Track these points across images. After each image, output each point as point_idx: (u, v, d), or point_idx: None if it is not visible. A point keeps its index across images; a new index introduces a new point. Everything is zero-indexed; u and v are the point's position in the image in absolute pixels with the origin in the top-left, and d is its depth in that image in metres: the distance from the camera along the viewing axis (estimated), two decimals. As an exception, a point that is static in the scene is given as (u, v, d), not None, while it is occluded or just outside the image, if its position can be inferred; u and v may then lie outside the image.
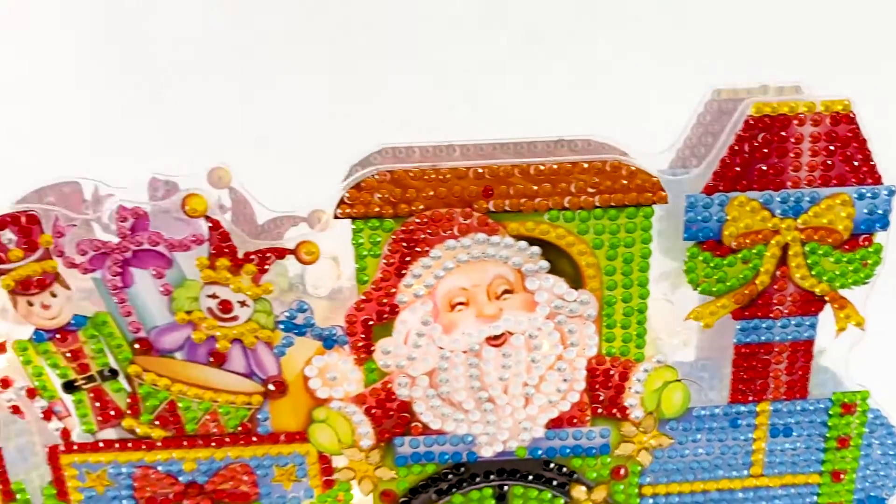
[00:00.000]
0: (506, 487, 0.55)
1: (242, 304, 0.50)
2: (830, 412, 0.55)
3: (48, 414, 0.52)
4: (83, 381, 0.51)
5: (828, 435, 0.56)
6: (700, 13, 0.87)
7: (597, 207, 0.49)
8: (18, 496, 0.54)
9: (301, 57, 0.89)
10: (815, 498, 0.58)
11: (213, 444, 0.53)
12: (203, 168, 0.53)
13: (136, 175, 0.54)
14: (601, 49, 0.88)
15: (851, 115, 0.48)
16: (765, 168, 0.49)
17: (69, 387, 0.51)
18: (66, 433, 0.53)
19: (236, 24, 0.92)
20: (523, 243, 0.49)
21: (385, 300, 0.50)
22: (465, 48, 0.89)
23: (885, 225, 0.50)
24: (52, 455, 0.53)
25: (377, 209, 0.48)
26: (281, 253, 0.49)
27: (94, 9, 0.95)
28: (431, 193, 0.48)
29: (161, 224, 0.50)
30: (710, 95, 0.55)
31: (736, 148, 0.49)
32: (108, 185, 0.54)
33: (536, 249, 0.49)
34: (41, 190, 0.54)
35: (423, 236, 0.49)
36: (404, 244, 0.49)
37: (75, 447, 0.53)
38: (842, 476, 0.57)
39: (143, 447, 0.53)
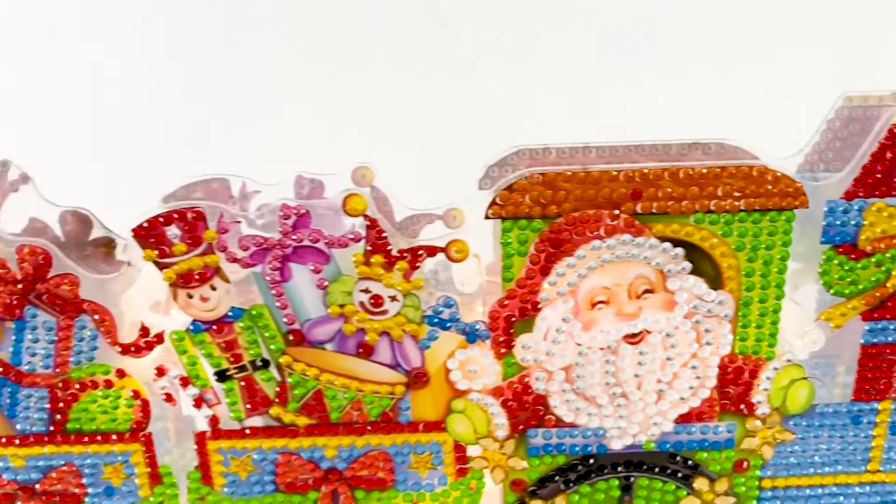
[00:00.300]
0: (632, 479, 0.58)
1: (393, 298, 0.52)
2: (953, 412, 0.57)
3: (199, 402, 0.54)
4: (235, 371, 0.53)
5: (949, 434, 0.58)
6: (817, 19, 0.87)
7: (741, 211, 0.50)
8: (165, 479, 0.57)
9: (430, 57, 0.90)
10: (932, 494, 0.59)
11: (355, 431, 0.55)
12: (347, 167, 0.55)
13: (280, 174, 0.56)
14: (721, 54, 0.89)
15: None
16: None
17: (221, 376, 0.54)
18: (214, 420, 0.55)
19: (354, 19, 0.93)
20: (667, 245, 0.51)
21: (528, 297, 0.52)
22: (590, 48, 0.89)
23: None
24: (200, 441, 0.56)
25: (527, 210, 0.50)
26: (432, 251, 0.51)
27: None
28: (581, 195, 0.50)
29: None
30: (841, 102, 0.56)
31: (878, 155, 0.50)
32: (255, 181, 0.57)
33: (680, 251, 0.51)
34: (189, 185, 0.56)
35: (569, 237, 0.51)
36: (550, 244, 0.51)
37: (223, 434, 0.55)
38: (960, 473, 0.59)
39: (287, 434, 0.55)
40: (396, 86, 0.89)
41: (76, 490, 0.56)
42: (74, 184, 0.57)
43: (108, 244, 0.57)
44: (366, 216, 0.50)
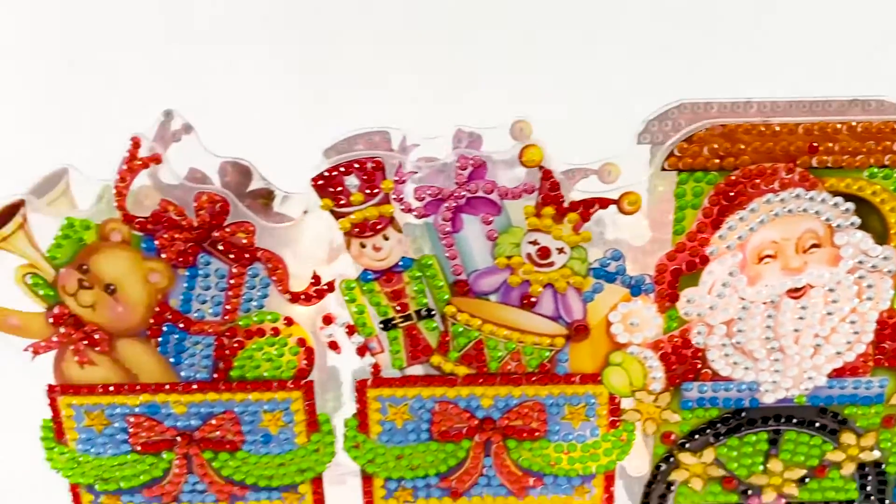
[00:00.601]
0: (780, 432, 0.58)
1: (560, 251, 0.52)
2: None
3: (362, 350, 0.55)
4: (400, 320, 0.54)
5: None
6: None
7: (919, 166, 0.50)
8: (322, 427, 0.58)
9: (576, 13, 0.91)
10: None
11: (513, 382, 0.56)
12: (505, 121, 0.55)
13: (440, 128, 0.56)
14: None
15: None
16: None
17: (387, 325, 0.54)
18: (376, 368, 0.56)
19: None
20: (839, 199, 0.51)
21: (697, 251, 0.52)
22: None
23: None
24: (360, 389, 0.57)
25: (705, 162, 0.50)
26: (605, 203, 0.51)
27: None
28: (759, 148, 0.50)
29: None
30: None
31: None
32: (415, 135, 0.57)
33: (850, 205, 0.51)
34: (351, 137, 0.56)
35: (743, 190, 0.51)
36: (724, 197, 0.51)
37: (383, 382, 0.56)
38: None
39: (446, 383, 0.56)
40: (545, 43, 0.90)
41: (234, 437, 0.57)
42: (234, 137, 0.57)
43: (266, 196, 0.58)
44: (541, 167, 0.50)
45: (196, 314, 0.53)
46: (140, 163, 0.50)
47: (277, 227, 0.53)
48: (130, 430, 0.57)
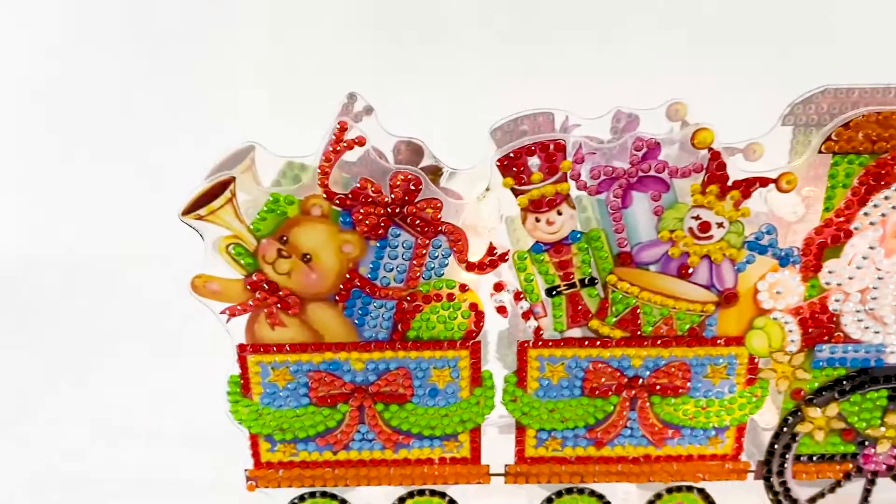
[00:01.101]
0: (900, 391, 0.64)
1: (720, 225, 0.57)
2: None
3: (527, 314, 0.60)
4: (565, 287, 0.59)
5: None
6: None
7: None
8: (485, 382, 0.64)
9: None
10: None
11: (663, 344, 0.61)
12: (661, 102, 0.60)
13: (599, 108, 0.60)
14: None
15: None
16: None
17: (552, 291, 0.60)
18: (538, 331, 0.61)
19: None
20: (982, 180, 0.56)
21: (843, 226, 0.57)
22: None
23: None
24: (521, 350, 0.62)
25: (859, 146, 0.55)
26: (765, 182, 0.56)
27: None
28: (914, 133, 0.54)
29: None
30: None
31: None
32: (576, 115, 0.61)
33: None
34: (517, 119, 0.61)
35: (891, 171, 0.55)
36: (873, 177, 0.56)
37: (541, 343, 0.62)
38: None
39: (601, 345, 0.61)
40: (704, 23, 0.95)
41: (404, 391, 0.63)
42: (407, 118, 0.62)
43: (435, 172, 0.63)
44: (710, 149, 0.55)
45: (382, 281, 0.59)
46: (346, 144, 0.54)
47: (460, 203, 0.57)
48: (311, 385, 0.62)
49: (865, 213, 0.56)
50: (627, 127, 0.61)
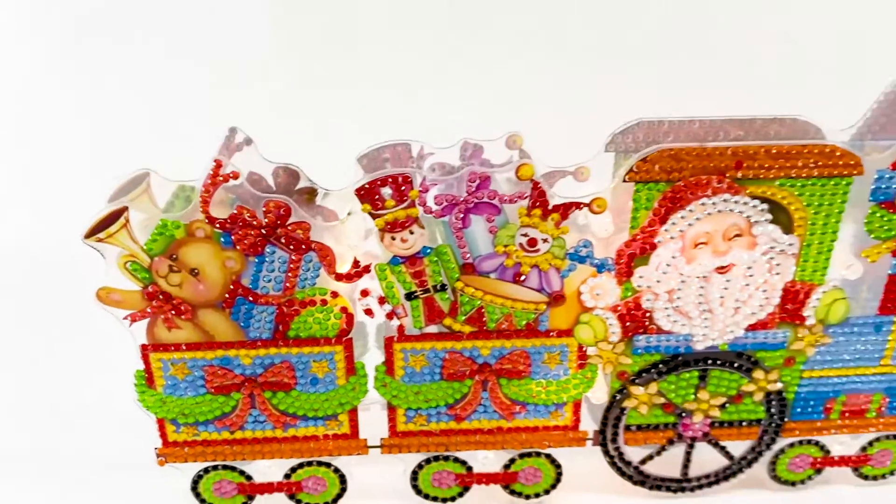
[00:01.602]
0: (707, 371, 0.76)
1: (545, 240, 0.67)
2: (947, 322, 0.75)
3: (390, 315, 0.71)
4: (420, 292, 0.70)
5: (941, 338, 0.76)
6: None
7: (814, 176, 0.66)
8: (358, 371, 0.74)
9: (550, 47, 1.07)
10: (925, 380, 0.79)
11: (505, 336, 0.72)
12: (501, 133, 0.70)
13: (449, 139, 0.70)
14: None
15: None
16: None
17: (410, 296, 0.70)
18: (401, 328, 0.71)
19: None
20: (756, 201, 0.67)
21: (648, 240, 0.68)
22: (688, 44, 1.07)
23: None
24: (388, 344, 0.73)
25: (656, 176, 0.65)
26: (579, 206, 0.66)
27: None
28: (697, 165, 0.65)
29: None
30: (890, 87, 0.71)
31: (920, 136, 0.65)
32: (430, 145, 0.71)
33: (765, 206, 0.67)
34: (380, 148, 0.70)
35: (684, 195, 0.66)
36: (670, 201, 0.67)
37: (404, 339, 0.72)
38: (946, 366, 0.78)
39: (454, 338, 0.72)
40: (538, 72, 1.08)
41: (288, 380, 0.73)
42: (283, 145, 0.71)
43: (310, 193, 0.72)
44: (531, 180, 0.65)
45: (262, 290, 0.68)
46: (221, 179, 0.63)
47: (326, 226, 0.67)
48: (206, 378, 0.72)
49: (666, 230, 0.67)
50: (474, 155, 0.71)
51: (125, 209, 0.64)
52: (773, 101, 0.72)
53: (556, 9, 1.17)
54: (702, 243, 0.68)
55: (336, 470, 0.79)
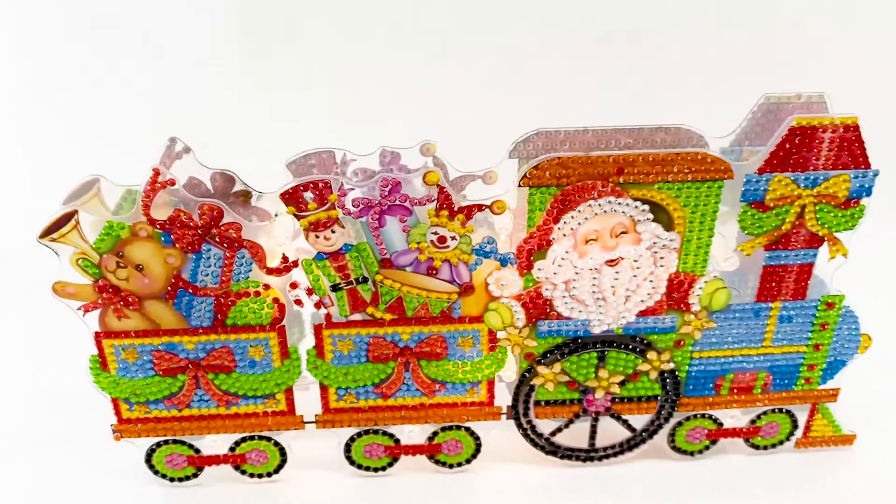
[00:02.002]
0: (605, 352, 0.85)
1: (453, 238, 0.76)
2: (818, 307, 0.84)
3: (318, 304, 0.79)
4: (344, 284, 0.78)
5: (815, 322, 0.85)
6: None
7: (689, 181, 0.75)
8: (292, 355, 0.83)
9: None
10: (802, 360, 0.88)
11: (423, 323, 0.81)
12: (417, 141, 0.78)
13: (371, 146, 0.78)
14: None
15: (856, 125, 0.73)
16: (796, 158, 0.74)
17: (335, 288, 0.78)
18: (328, 317, 0.80)
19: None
20: (638, 203, 0.75)
21: (543, 237, 0.77)
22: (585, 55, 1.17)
23: (868, 193, 0.77)
24: (318, 330, 0.81)
25: (547, 181, 0.74)
26: (481, 207, 0.75)
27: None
28: (583, 172, 0.73)
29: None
30: (762, 99, 0.79)
31: (781, 145, 0.74)
32: (352, 153, 0.79)
33: (646, 207, 0.75)
34: (308, 155, 0.78)
35: (573, 198, 0.75)
36: (561, 203, 0.75)
37: (332, 325, 0.81)
38: (820, 347, 0.87)
39: (377, 325, 0.81)
40: (447, 83, 1.18)
41: (229, 364, 0.81)
42: (219, 155, 0.79)
43: (245, 195, 0.80)
44: (438, 185, 0.73)
45: (201, 283, 0.76)
46: (160, 185, 0.71)
47: (259, 225, 0.75)
48: (155, 361, 0.80)
49: (559, 228, 0.76)
50: (392, 161, 0.79)
51: (75, 212, 0.72)
52: (666, 110, 0.81)
53: (472, 26, 1.26)
54: (592, 240, 0.77)
55: (276, 444, 0.88)
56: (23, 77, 1.33)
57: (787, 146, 0.74)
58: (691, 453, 0.93)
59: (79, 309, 0.77)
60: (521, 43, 1.30)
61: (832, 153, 0.74)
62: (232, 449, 0.88)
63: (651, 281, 0.79)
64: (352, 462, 0.90)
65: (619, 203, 0.75)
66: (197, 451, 0.88)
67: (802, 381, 0.89)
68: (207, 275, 0.76)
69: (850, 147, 0.74)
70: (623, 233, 0.76)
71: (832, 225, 0.78)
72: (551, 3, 1.25)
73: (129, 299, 0.76)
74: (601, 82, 1.24)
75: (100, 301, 0.76)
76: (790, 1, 1.24)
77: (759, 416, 0.91)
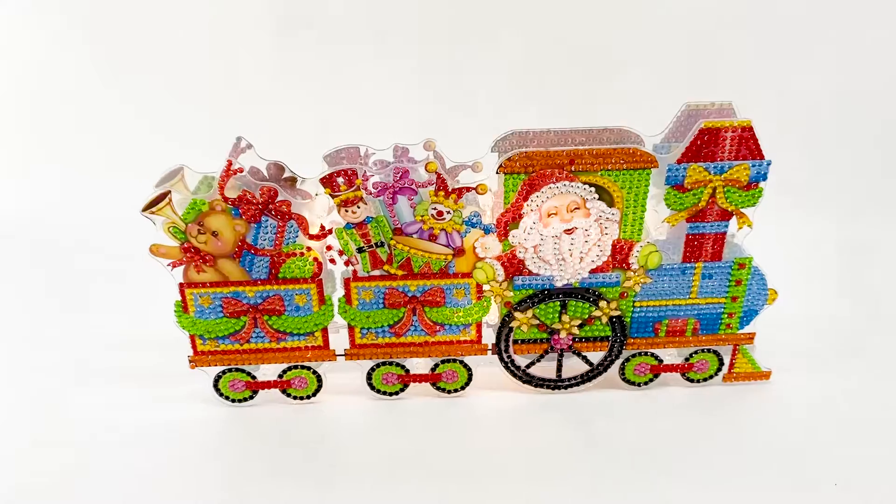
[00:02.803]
0: (566, 301, 1.10)
1: (448, 212, 1.01)
2: (732, 268, 1.09)
3: (347, 262, 1.04)
4: (366, 247, 1.03)
5: (730, 278, 1.09)
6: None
7: (626, 169, 0.99)
8: (327, 300, 1.08)
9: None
10: (723, 309, 1.13)
11: (426, 277, 1.06)
12: (419, 138, 1.03)
13: (386, 142, 1.03)
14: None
15: (751, 127, 0.98)
16: (706, 152, 0.99)
17: (360, 250, 1.03)
18: (354, 273, 1.05)
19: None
20: (587, 186, 1.00)
21: (516, 213, 1.02)
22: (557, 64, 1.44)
23: (765, 178, 1.01)
24: (346, 283, 1.06)
25: (517, 169, 0.99)
26: (469, 189, 1.00)
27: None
28: (544, 162, 0.98)
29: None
30: (683, 107, 1.04)
31: (694, 142, 0.99)
32: (373, 147, 1.04)
33: (593, 189, 1.00)
34: (339, 149, 1.03)
35: (538, 183, 1.00)
36: (528, 186, 1.00)
37: (358, 279, 1.06)
38: (736, 299, 1.12)
39: (391, 279, 1.06)
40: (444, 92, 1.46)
41: (279, 308, 1.07)
42: (271, 147, 1.04)
43: (293, 180, 1.05)
44: (437, 172, 0.98)
45: (260, 246, 1.02)
46: (232, 172, 0.97)
47: (303, 202, 1.01)
48: (224, 306, 1.06)
49: (528, 205, 1.01)
50: (402, 154, 1.04)
51: (169, 192, 0.98)
52: (613, 114, 1.05)
53: (472, 42, 1.55)
54: (553, 214, 1.02)
55: (314, 372, 1.14)
56: (105, 82, 1.62)
57: (699, 143, 0.98)
58: (639, 384, 1.17)
59: (168, 265, 1.02)
60: (507, 60, 1.58)
61: (734, 148, 0.99)
62: (280, 376, 1.14)
63: (599, 246, 1.04)
64: (372, 387, 1.15)
65: (572, 186, 0.99)
66: (253, 377, 1.14)
67: (724, 327, 1.13)
68: (265, 239, 1.01)
69: (747, 143, 0.98)
70: (576, 209, 1.01)
71: (738, 202, 1.02)
72: (539, 27, 1.51)
73: (207, 258, 1.02)
74: (567, 90, 1.51)
75: (184, 259, 1.02)
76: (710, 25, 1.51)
77: (691, 355, 1.16)
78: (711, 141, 0.97)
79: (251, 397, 1.14)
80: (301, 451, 1.03)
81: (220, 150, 0.98)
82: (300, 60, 1.65)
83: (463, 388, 1.14)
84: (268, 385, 1.13)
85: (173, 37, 1.64)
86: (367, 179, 0.97)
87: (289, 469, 1.00)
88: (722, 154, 0.98)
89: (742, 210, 1.02)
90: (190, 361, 1.10)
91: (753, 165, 0.98)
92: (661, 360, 1.15)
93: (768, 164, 0.99)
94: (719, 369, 1.16)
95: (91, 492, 0.96)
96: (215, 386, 1.13)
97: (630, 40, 1.59)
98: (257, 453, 1.03)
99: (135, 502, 0.94)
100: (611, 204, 1.00)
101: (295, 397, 1.14)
